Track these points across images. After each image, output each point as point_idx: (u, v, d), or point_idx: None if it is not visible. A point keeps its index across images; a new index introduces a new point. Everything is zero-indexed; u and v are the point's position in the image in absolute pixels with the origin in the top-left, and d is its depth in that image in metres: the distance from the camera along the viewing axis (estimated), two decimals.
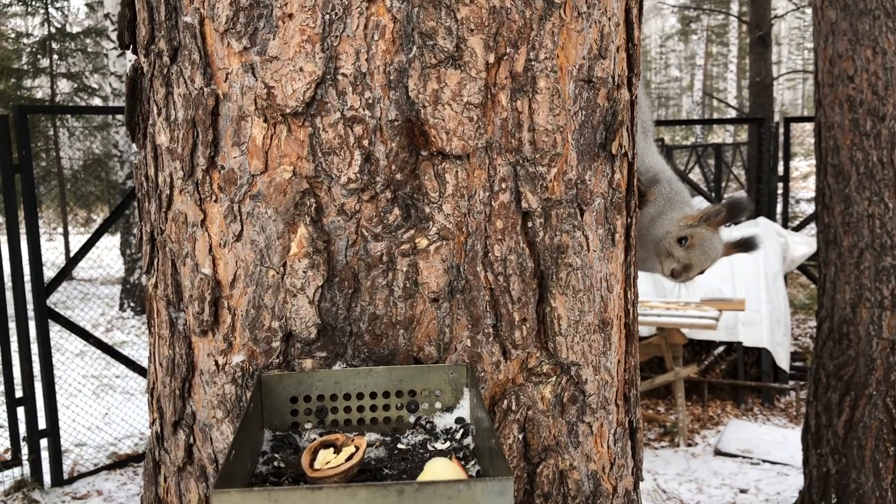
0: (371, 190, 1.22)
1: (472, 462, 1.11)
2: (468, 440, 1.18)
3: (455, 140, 1.22)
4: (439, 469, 0.99)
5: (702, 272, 1.78)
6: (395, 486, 0.85)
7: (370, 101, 1.21)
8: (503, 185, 1.26)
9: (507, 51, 1.24)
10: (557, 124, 1.28)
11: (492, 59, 1.23)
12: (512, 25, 1.24)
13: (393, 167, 1.22)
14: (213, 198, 1.28)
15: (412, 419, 1.23)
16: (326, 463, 1.03)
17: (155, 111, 1.34)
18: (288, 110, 1.21)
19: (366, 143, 1.21)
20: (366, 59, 1.20)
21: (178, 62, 1.28)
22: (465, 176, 1.24)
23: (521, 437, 1.31)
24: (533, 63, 1.26)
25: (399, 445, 1.18)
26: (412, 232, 1.24)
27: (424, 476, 0.99)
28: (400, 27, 1.20)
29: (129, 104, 1.41)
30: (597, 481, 1.38)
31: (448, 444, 1.17)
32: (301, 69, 1.20)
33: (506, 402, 1.30)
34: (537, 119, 1.27)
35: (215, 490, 0.84)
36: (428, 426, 1.22)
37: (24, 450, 5.12)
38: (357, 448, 1.05)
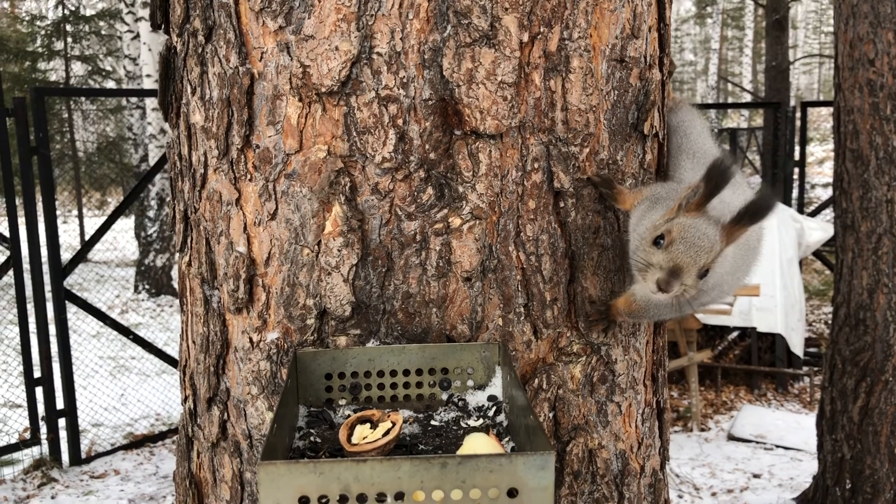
0: (405, 169, 1.23)
1: (507, 439, 1.12)
2: (501, 417, 1.19)
3: (489, 119, 1.22)
4: (478, 444, 1.00)
5: (702, 272, 1.19)
6: (438, 460, 0.86)
7: (405, 80, 1.21)
8: (536, 165, 1.27)
9: (541, 30, 1.24)
10: (590, 104, 1.28)
11: (526, 38, 1.23)
12: (546, 4, 1.23)
13: (427, 146, 1.23)
14: (248, 177, 1.28)
15: (444, 396, 1.24)
16: (364, 438, 1.04)
17: (189, 90, 1.35)
18: (323, 89, 1.21)
19: (400, 122, 1.22)
20: (400, 38, 1.20)
21: (213, 41, 1.29)
22: (499, 155, 1.24)
23: (551, 415, 1.32)
24: (566, 42, 1.26)
25: (432, 422, 1.19)
26: (445, 211, 1.24)
27: (464, 451, 1.00)
28: (435, 6, 1.20)
29: (162, 83, 1.42)
30: (625, 460, 1.40)
31: (481, 420, 1.18)
32: (336, 48, 1.20)
33: (536, 380, 1.31)
34: (570, 98, 1.27)
35: (262, 462, 0.85)
36: (460, 403, 1.23)
37: (43, 429, 5.19)
38: (393, 423, 1.06)
